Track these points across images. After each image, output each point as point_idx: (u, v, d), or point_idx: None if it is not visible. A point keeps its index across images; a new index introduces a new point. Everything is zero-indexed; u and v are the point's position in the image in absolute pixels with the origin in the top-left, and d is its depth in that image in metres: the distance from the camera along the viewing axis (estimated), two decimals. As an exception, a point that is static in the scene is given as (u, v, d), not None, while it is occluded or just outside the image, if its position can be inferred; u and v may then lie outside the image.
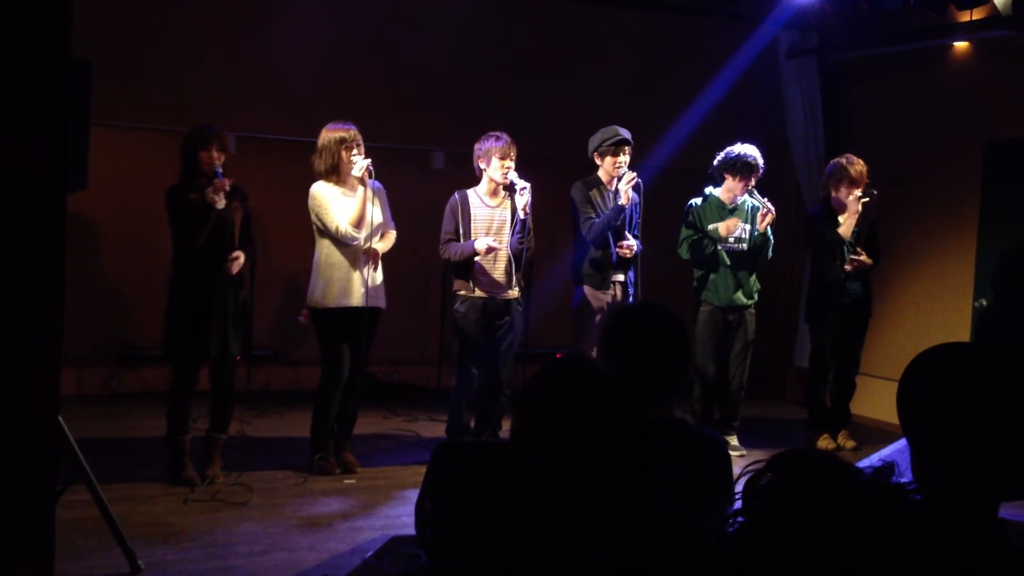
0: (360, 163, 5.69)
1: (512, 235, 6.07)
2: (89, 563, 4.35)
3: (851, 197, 6.81)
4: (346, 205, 5.76)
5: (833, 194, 6.93)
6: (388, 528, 5.02)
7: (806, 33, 8.53)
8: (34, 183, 3.40)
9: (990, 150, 7.51)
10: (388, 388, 8.28)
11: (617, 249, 6.27)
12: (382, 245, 5.94)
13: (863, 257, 6.89)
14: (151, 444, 6.02)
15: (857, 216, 6.83)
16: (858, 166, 6.85)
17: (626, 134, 6.33)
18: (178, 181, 5.53)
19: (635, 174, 6.26)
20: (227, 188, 5.44)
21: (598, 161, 6.40)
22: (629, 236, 6.35)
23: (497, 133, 6.06)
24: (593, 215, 6.28)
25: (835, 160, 7.01)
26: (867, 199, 6.78)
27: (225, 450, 5.77)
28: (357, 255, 5.81)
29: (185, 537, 4.77)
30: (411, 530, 4.36)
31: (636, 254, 6.38)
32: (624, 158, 6.31)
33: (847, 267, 6.88)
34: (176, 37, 7.54)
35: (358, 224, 5.74)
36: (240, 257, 5.54)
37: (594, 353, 5.67)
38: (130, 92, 7.24)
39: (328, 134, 5.78)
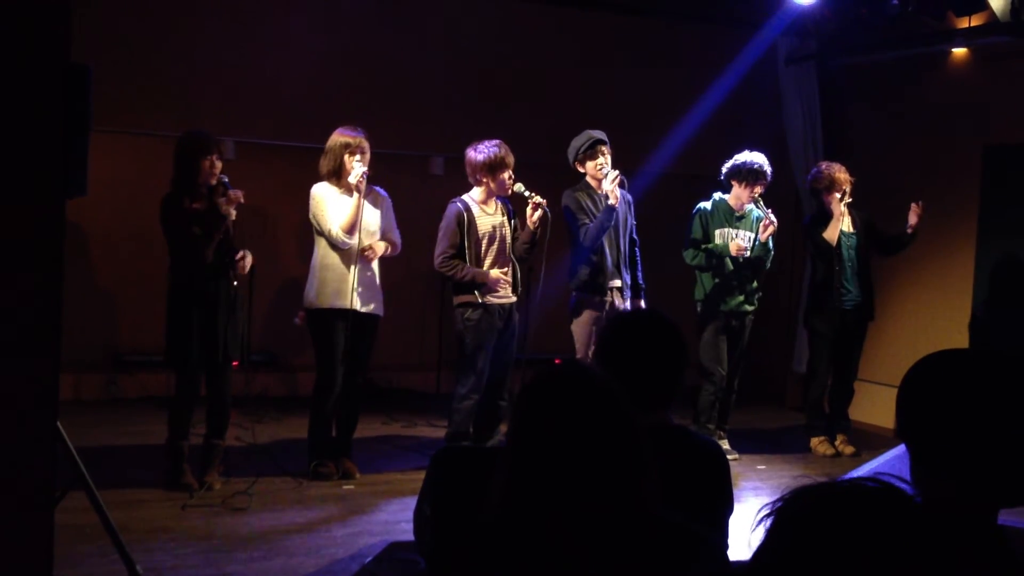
0: (356, 171, 5.70)
1: (523, 243, 6.09)
2: (88, 569, 4.35)
3: (833, 203, 6.90)
4: (343, 208, 5.77)
5: (826, 197, 7.01)
6: (387, 534, 5.01)
7: (805, 39, 8.54)
8: (33, 189, 3.40)
9: (989, 156, 7.51)
10: (387, 393, 8.27)
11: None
12: (380, 245, 5.92)
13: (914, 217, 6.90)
14: (149, 450, 6.01)
15: (841, 220, 6.91)
16: (832, 172, 6.94)
17: (598, 134, 6.32)
18: (171, 188, 5.50)
19: (617, 172, 6.22)
20: (241, 199, 5.45)
21: (581, 169, 6.38)
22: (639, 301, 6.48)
23: (496, 142, 6.02)
24: (587, 221, 6.27)
25: (816, 169, 7.15)
26: (851, 200, 6.91)
27: (223, 456, 5.77)
28: (352, 258, 5.81)
29: (183, 543, 4.76)
30: (410, 536, 4.35)
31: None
32: (604, 158, 6.28)
33: (911, 221, 6.88)
34: (175, 42, 7.55)
35: (350, 230, 5.74)
36: (247, 256, 5.58)
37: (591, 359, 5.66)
38: (130, 97, 7.25)
39: (336, 138, 5.81)
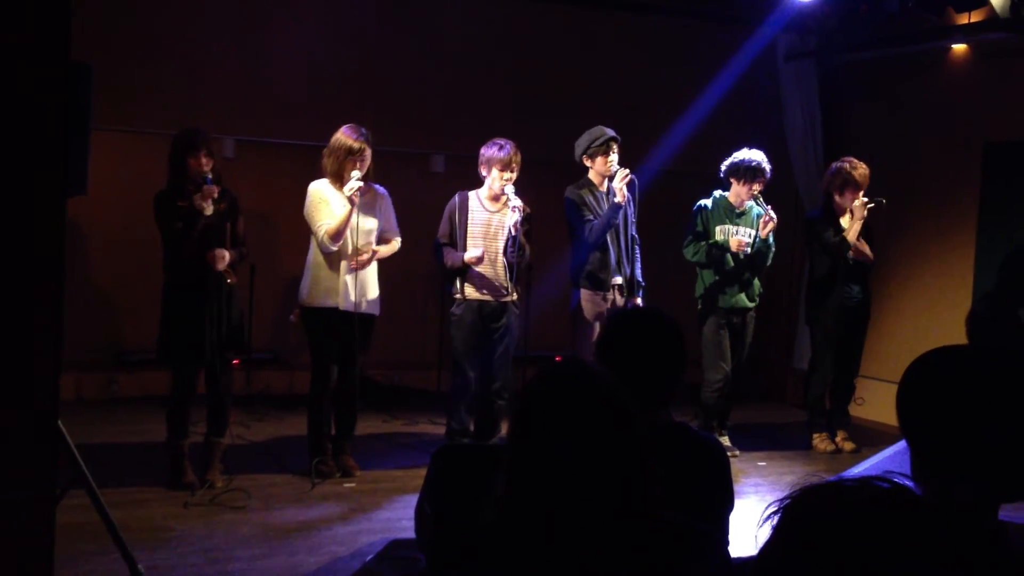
0: (351, 185, 5.65)
1: (507, 245, 6.09)
2: (88, 567, 4.35)
3: (857, 202, 6.82)
4: (336, 213, 5.75)
5: (837, 199, 6.95)
6: (388, 531, 5.02)
7: (805, 36, 8.54)
8: (34, 188, 3.40)
9: (989, 152, 7.51)
10: (388, 391, 8.27)
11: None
12: (385, 249, 5.94)
13: (865, 248, 6.90)
14: (150, 448, 6.01)
15: (863, 221, 6.85)
16: (861, 170, 6.86)
17: (612, 132, 6.33)
18: (165, 187, 5.51)
19: (628, 171, 6.24)
20: (215, 195, 5.44)
21: (588, 163, 6.39)
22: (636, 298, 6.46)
23: (501, 141, 6.05)
24: (591, 218, 6.28)
25: (837, 164, 7.00)
26: (873, 205, 6.80)
27: (224, 454, 5.77)
28: (346, 257, 5.80)
29: (184, 541, 4.76)
30: (411, 533, 4.36)
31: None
32: (614, 156, 6.31)
33: (851, 253, 6.89)
34: (176, 41, 7.55)
35: (336, 236, 5.71)
36: (224, 256, 5.48)
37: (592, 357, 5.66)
38: (130, 96, 7.25)
39: (341, 139, 5.73)
